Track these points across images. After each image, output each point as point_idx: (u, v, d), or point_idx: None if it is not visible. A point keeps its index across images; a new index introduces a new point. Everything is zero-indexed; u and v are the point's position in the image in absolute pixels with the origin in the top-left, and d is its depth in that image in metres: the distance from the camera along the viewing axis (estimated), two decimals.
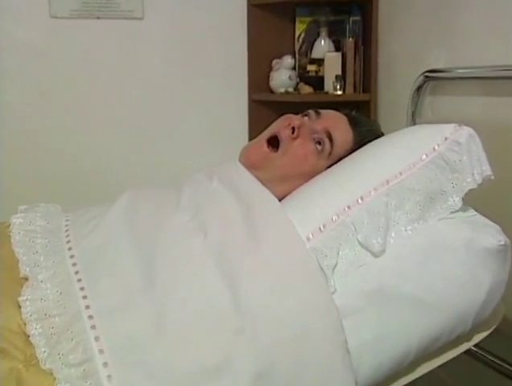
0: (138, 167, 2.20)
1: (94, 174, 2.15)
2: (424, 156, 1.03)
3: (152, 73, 2.22)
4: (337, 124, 1.17)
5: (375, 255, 0.96)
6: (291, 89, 2.24)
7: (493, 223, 1.03)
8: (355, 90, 2.18)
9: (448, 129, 1.06)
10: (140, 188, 1.12)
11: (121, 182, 1.98)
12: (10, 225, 1.03)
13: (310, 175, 1.11)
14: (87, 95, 2.13)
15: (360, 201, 0.99)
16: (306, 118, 1.18)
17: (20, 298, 0.86)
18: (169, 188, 1.12)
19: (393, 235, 0.98)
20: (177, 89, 2.25)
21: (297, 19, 2.29)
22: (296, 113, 1.20)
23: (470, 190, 1.01)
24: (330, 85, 2.16)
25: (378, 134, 1.20)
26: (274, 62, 2.29)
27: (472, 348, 1.29)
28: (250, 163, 1.12)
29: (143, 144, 2.22)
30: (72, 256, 0.94)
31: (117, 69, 2.16)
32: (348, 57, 2.17)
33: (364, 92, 2.17)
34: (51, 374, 0.79)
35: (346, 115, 1.21)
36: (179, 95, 2.25)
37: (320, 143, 1.14)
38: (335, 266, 0.94)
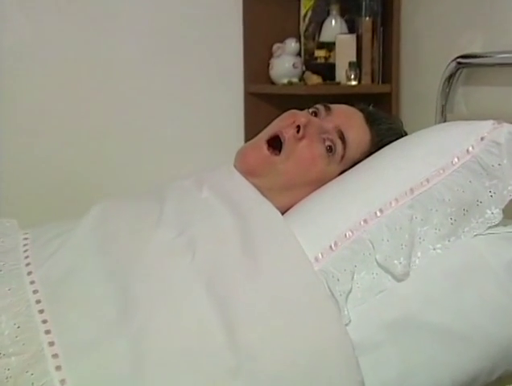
0: (119, 169, 2.22)
1: (69, 174, 2.16)
2: (456, 159, 1.04)
3: (131, 64, 2.22)
4: (351, 121, 1.17)
5: (397, 278, 0.97)
6: (295, 79, 2.24)
7: None
8: (373, 80, 2.18)
9: (484, 127, 1.06)
10: (114, 199, 1.12)
11: (100, 185, 2.05)
12: None
13: (318, 183, 1.12)
14: (61, 90, 2.15)
15: (379, 214, 0.99)
16: (313, 115, 1.18)
17: None
18: (149, 199, 1.12)
19: (418, 254, 0.98)
20: (159, 81, 2.25)
21: None
22: (302, 109, 1.20)
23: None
24: (342, 74, 2.16)
25: (401, 133, 1.21)
26: (274, 47, 2.29)
27: None
28: (247, 169, 1.13)
29: (121, 146, 2.23)
30: (32, 282, 0.94)
31: (93, 59, 2.18)
32: (365, 40, 2.17)
33: (383, 82, 2.17)
34: None
35: (362, 111, 1.21)
36: (161, 88, 2.26)
37: (330, 145, 1.14)
38: (349, 292, 0.95)
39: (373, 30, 2.18)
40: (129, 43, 2.21)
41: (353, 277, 0.96)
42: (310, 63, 2.27)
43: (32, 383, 0.82)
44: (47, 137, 2.14)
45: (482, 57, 1.62)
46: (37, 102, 2.12)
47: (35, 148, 2.13)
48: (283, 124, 1.15)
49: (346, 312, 0.93)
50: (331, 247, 0.97)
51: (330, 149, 1.14)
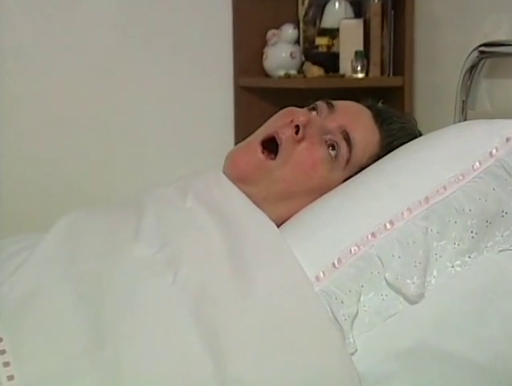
0: (94, 171, 2.26)
1: (38, 175, 2.22)
2: (477, 164, 1.05)
3: (104, 54, 2.24)
4: (358, 120, 1.18)
5: (410, 301, 0.97)
6: (293, 71, 2.25)
7: None
8: (382, 72, 2.19)
9: (510, 127, 1.08)
10: (84, 210, 1.13)
11: (72, 187, 2.16)
12: None
13: (320, 191, 1.13)
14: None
15: (388, 226, 1.01)
16: (314, 113, 1.19)
17: None
18: (125, 210, 1.13)
19: (435, 273, 0.99)
20: (136, 75, 2.27)
21: None
22: (301, 106, 1.21)
23: None
24: (347, 65, 2.17)
25: (414, 134, 1.22)
26: (269, 34, 2.30)
27: None
28: (238, 175, 1.14)
29: (96, 147, 2.27)
30: None
31: (59, 49, 2.21)
32: (373, 26, 2.18)
33: (395, 74, 2.18)
34: None
35: (370, 108, 1.22)
36: (139, 82, 2.27)
37: (333, 147, 1.15)
38: (355, 316, 0.95)
39: (383, 15, 2.18)
40: (100, 30, 2.24)
41: (359, 299, 0.96)
42: (310, 53, 2.28)
43: None
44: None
45: (509, 45, 1.63)
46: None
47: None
48: (280, 123, 1.16)
49: (351, 339, 0.94)
50: (334, 264, 0.98)
51: (333, 153, 1.14)
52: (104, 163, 2.27)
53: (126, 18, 2.26)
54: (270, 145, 1.15)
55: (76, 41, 2.23)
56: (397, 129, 1.20)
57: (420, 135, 1.22)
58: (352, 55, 2.15)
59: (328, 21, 2.26)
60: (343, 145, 1.15)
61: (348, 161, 1.15)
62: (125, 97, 2.28)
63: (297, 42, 2.29)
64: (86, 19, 2.23)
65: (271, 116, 1.22)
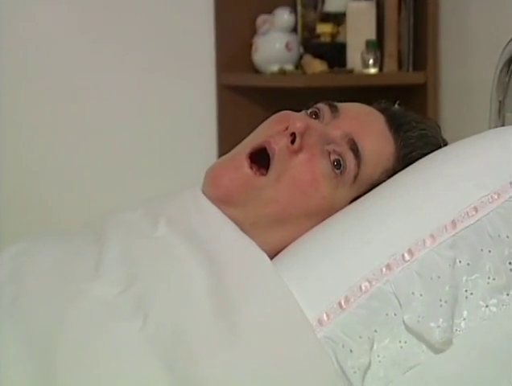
0: (45, 187, 2.36)
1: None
2: None
3: (69, 48, 2.31)
4: (368, 127, 1.19)
5: (435, 349, 0.98)
6: (289, 66, 2.26)
7: None
8: (400, 67, 2.21)
9: None
10: (31, 241, 1.14)
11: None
12: None
13: (322, 214, 1.14)
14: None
15: (407, 257, 1.02)
16: (314, 118, 1.20)
17: None
18: (82, 239, 1.13)
19: (465, 314, 1.00)
20: (100, 73, 2.33)
21: None
22: (298, 110, 1.22)
23: None
24: (356, 58, 2.19)
25: (438, 143, 1.23)
26: (259, 20, 2.32)
27: None
28: (221, 195, 1.14)
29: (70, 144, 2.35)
30: None
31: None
32: (389, 10, 2.20)
33: (415, 69, 2.20)
34: None
35: (383, 111, 1.23)
36: (103, 81, 2.33)
37: (338, 160, 1.15)
38: (367, 369, 0.96)
39: None
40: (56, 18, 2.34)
41: (371, 347, 0.97)
42: (310, 43, 2.30)
43: None
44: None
45: None
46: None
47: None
48: (272, 131, 1.17)
49: None
50: (340, 304, 0.99)
51: (338, 167, 1.14)
52: (74, 160, 2.37)
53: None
54: (260, 159, 1.15)
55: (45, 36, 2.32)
56: (416, 137, 1.21)
57: (445, 144, 1.23)
58: (362, 46, 2.17)
59: (332, 4, 2.27)
60: (349, 157, 1.15)
61: (356, 177, 1.16)
62: (91, 98, 2.35)
63: (294, 30, 2.29)
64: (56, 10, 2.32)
65: (262, 121, 1.22)
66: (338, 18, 2.24)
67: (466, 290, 1.01)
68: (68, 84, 2.36)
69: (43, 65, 2.36)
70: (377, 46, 2.16)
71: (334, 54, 2.22)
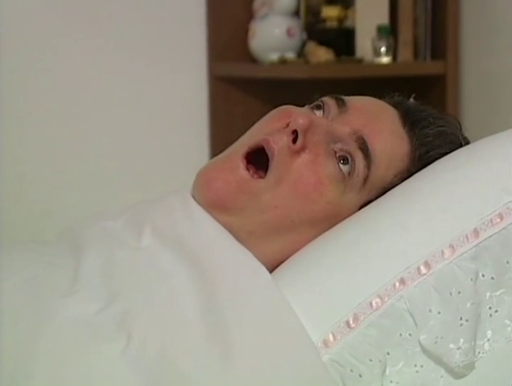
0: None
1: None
2: None
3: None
4: (379, 123, 1.17)
5: (455, 373, 0.97)
6: (290, 55, 2.26)
7: None
8: (416, 55, 2.20)
9: None
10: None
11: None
12: None
13: (327, 221, 1.12)
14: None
15: (423, 270, 1.00)
16: (319, 113, 1.18)
17: None
18: (57, 249, 1.12)
19: (489, 334, 0.99)
20: (86, 62, 2.34)
21: None
22: (301, 104, 1.20)
23: None
24: (367, 46, 2.18)
25: (458, 141, 1.21)
26: (257, 2, 2.32)
27: None
28: (214, 200, 1.13)
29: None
30: None
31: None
32: None
33: (433, 58, 2.20)
34: None
35: (396, 106, 1.21)
36: (90, 71, 2.34)
37: (345, 160, 1.13)
38: None
39: None
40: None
41: (383, 372, 0.96)
42: (314, 29, 2.30)
43: None
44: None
45: None
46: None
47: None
48: (271, 128, 1.15)
49: None
50: (348, 323, 0.98)
51: (346, 168, 1.13)
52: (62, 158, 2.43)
53: None
54: (258, 159, 1.14)
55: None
56: (434, 134, 1.19)
57: (466, 143, 1.22)
58: (373, 32, 2.16)
59: None
60: (359, 157, 1.13)
61: (365, 179, 1.14)
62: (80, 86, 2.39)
63: (296, 13, 2.29)
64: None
65: (260, 117, 1.21)
66: (346, 1, 2.24)
67: (490, 307, 1.00)
68: (56, 74, 2.43)
69: (40, 64, 2.42)
70: (389, 32, 2.17)
71: (341, 41, 2.23)
